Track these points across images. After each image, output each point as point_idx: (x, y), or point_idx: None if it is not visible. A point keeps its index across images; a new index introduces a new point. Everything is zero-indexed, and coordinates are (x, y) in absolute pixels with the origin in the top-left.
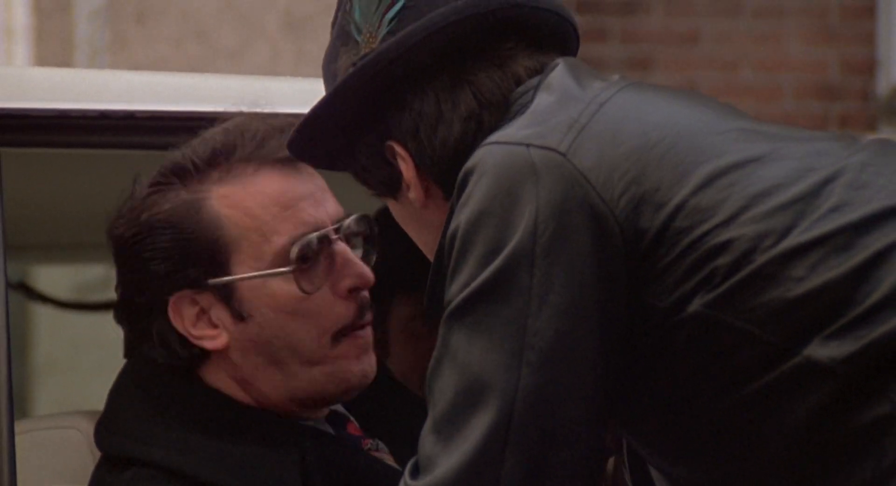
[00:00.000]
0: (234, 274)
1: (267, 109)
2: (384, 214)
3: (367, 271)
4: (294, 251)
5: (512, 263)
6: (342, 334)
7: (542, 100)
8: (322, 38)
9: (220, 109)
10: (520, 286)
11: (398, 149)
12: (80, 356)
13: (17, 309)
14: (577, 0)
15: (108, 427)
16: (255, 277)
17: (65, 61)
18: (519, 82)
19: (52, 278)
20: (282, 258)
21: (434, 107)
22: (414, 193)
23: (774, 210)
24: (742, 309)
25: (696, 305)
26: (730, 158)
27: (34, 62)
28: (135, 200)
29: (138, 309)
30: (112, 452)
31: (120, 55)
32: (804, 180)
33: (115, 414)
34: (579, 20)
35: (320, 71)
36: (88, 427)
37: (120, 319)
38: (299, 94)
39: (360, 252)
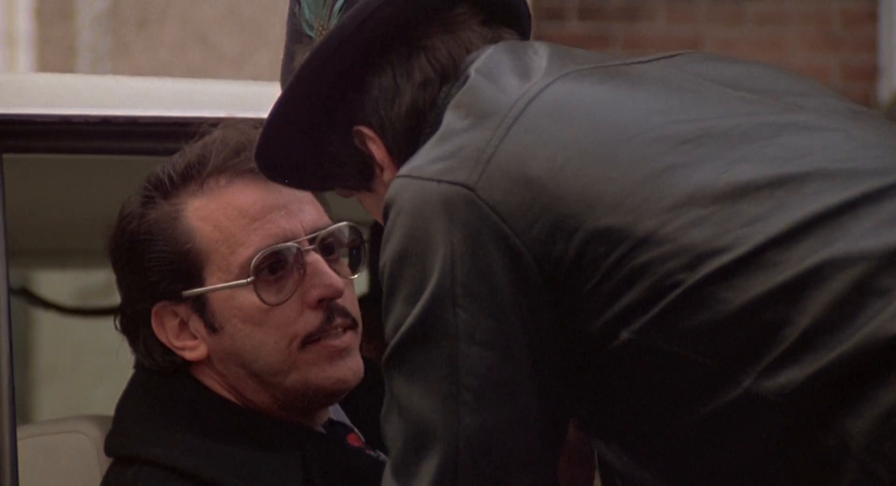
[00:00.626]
0: (205, 286)
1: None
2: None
3: (337, 282)
4: (253, 263)
5: (434, 305)
6: (309, 340)
7: (453, 122)
8: None
9: (221, 114)
10: (445, 327)
11: (366, 131)
12: (82, 362)
13: (19, 315)
14: (579, 6)
15: (114, 431)
16: (221, 288)
17: (67, 67)
18: (469, 49)
19: (55, 283)
20: (248, 270)
21: (391, 80)
22: (388, 174)
23: (690, 225)
24: (673, 334)
25: (626, 333)
26: (642, 172)
27: (36, 68)
28: (125, 211)
29: (128, 317)
30: (117, 453)
31: (122, 61)
32: (720, 184)
33: (122, 419)
34: (581, 26)
35: None
36: (96, 432)
37: (117, 325)
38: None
39: (346, 261)
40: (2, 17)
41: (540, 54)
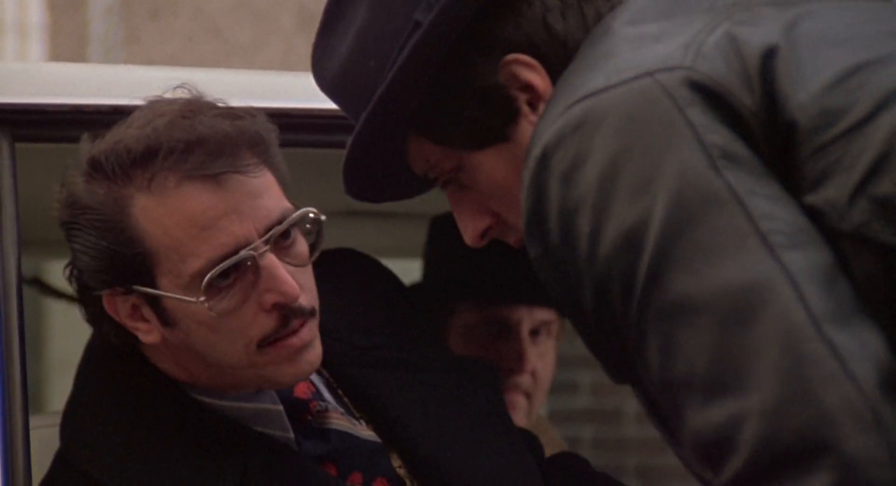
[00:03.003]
0: (157, 287)
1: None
2: (446, 222)
3: (292, 288)
4: (205, 281)
5: (692, 181)
6: (266, 342)
7: (644, 26)
8: None
9: (232, 104)
10: (720, 192)
11: (524, 58)
12: None
13: (31, 305)
14: None
15: (70, 412)
16: (172, 298)
17: (79, 57)
18: None
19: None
20: (199, 281)
21: None
22: (545, 107)
23: None
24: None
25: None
26: (864, 56)
27: (48, 58)
28: (68, 192)
29: (80, 288)
30: (64, 445)
31: (134, 51)
32: None
33: (79, 397)
34: None
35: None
36: None
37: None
38: (313, 90)
39: (311, 239)
40: (14, 7)
41: None
